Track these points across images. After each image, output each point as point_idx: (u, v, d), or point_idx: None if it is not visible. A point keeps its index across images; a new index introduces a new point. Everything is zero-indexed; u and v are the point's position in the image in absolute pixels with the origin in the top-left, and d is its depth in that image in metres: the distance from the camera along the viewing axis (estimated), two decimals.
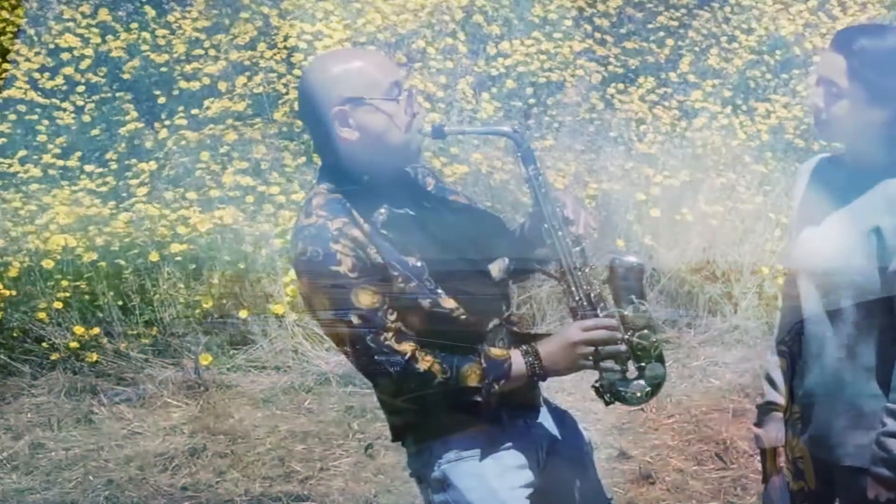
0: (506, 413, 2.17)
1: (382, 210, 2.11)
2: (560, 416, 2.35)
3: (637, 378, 2.20)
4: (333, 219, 2.05)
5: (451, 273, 2.12)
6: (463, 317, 2.11)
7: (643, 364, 2.20)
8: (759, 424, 2.45)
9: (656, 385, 2.21)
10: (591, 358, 2.13)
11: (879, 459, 2.11)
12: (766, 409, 2.42)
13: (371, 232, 2.07)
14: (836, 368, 2.18)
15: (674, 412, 4.67)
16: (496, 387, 2.07)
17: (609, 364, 2.16)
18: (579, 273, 2.16)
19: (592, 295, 2.16)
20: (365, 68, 2.10)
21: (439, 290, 2.09)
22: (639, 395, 2.20)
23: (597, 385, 2.21)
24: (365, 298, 2.02)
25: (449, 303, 2.10)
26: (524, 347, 2.13)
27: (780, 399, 2.37)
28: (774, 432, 2.40)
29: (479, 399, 2.06)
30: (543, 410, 2.31)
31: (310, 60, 2.17)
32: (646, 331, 2.19)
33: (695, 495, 3.95)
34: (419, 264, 2.09)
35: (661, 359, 2.21)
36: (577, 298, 2.16)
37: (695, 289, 5.69)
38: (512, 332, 2.24)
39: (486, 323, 2.18)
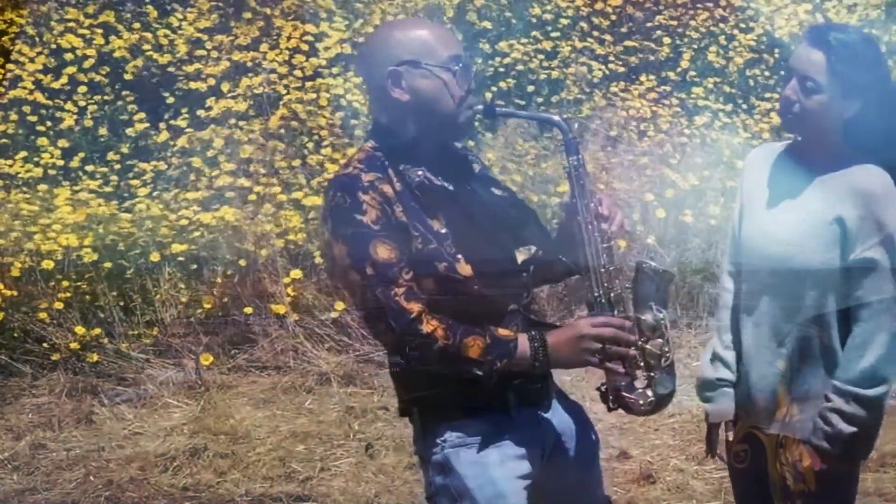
0: (514, 402, 2.17)
1: (419, 172, 2.13)
2: (574, 410, 2.33)
3: (645, 388, 2.17)
4: (367, 172, 2.10)
5: (475, 248, 2.13)
6: (477, 288, 2.10)
7: (653, 374, 2.17)
8: (707, 401, 2.49)
9: (664, 397, 2.18)
10: (597, 355, 2.10)
11: (821, 432, 2.20)
12: (716, 385, 2.46)
13: (402, 191, 2.10)
14: (790, 354, 2.26)
15: (674, 412, 4.65)
16: (498, 364, 2.06)
17: (615, 366, 2.13)
18: (603, 271, 2.15)
19: (612, 295, 2.15)
20: (426, 35, 2.14)
21: (459, 257, 2.10)
22: (642, 404, 2.17)
23: (602, 388, 2.19)
24: (383, 252, 2.04)
25: (465, 270, 2.10)
26: (532, 333, 2.11)
27: (731, 376, 2.43)
28: (726, 407, 2.45)
29: (478, 373, 2.05)
30: (555, 404, 2.29)
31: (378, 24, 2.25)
32: (660, 340, 2.16)
33: (695, 495, 3.94)
34: (443, 231, 2.11)
35: (671, 371, 2.18)
36: (596, 294, 2.15)
37: (695, 289, 5.69)
38: (528, 319, 2.22)
39: (503, 305, 2.17)
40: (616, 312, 2.15)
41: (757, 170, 2.41)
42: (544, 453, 2.24)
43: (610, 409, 2.21)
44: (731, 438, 2.46)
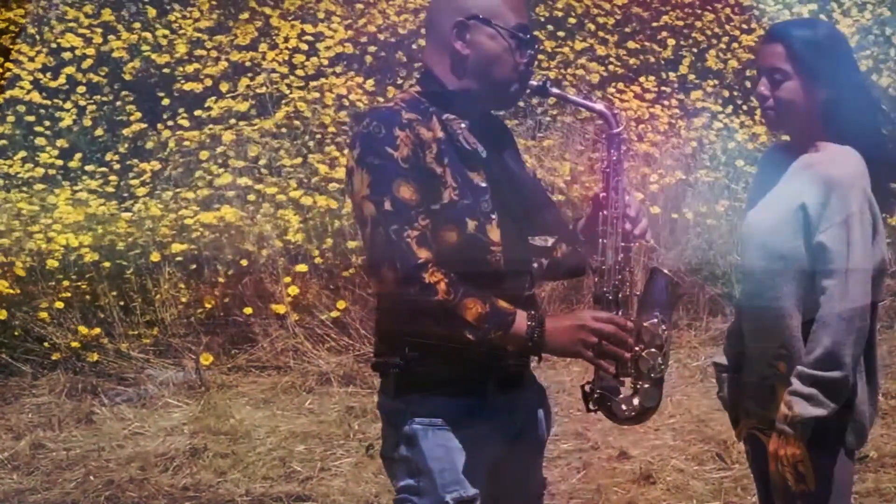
0: (491, 386, 2.13)
1: (462, 125, 2.09)
2: (539, 393, 2.31)
3: (631, 395, 2.14)
4: (409, 111, 2.05)
5: (506, 214, 2.09)
6: (498, 256, 2.07)
7: (641, 383, 2.14)
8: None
9: (647, 409, 2.15)
10: (592, 349, 2.05)
11: (783, 417, 2.22)
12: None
13: (443, 139, 2.06)
14: (769, 337, 2.30)
15: (674, 412, 4.67)
16: (492, 334, 2.00)
17: (607, 365, 2.08)
18: (617, 269, 2.13)
19: (620, 295, 2.13)
20: None
21: (493, 217, 2.06)
22: (625, 410, 2.13)
23: (586, 387, 2.17)
24: (405, 191, 1.99)
25: (494, 233, 2.06)
26: (532, 312, 2.06)
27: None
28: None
29: (470, 337, 2.00)
30: (527, 386, 2.26)
31: None
32: (655, 350, 2.13)
33: (695, 495, 3.94)
34: (483, 185, 2.07)
35: (660, 386, 2.15)
36: (604, 290, 2.13)
37: (695, 289, 5.69)
38: (532, 303, 2.20)
39: (512, 286, 2.13)
40: (620, 313, 2.12)
41: (759, 169, 2.49)
42: (509, 437, 2.21)
43: (589, 410, 2.17)
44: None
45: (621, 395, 2.14)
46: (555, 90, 2.21)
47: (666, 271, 2.20)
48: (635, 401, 2.14)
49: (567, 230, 2.31)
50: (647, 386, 2.14)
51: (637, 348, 2.12)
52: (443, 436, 2.12)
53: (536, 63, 6.70)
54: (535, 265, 2.19)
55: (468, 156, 2.08)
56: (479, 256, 2.07)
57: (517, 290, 2.14)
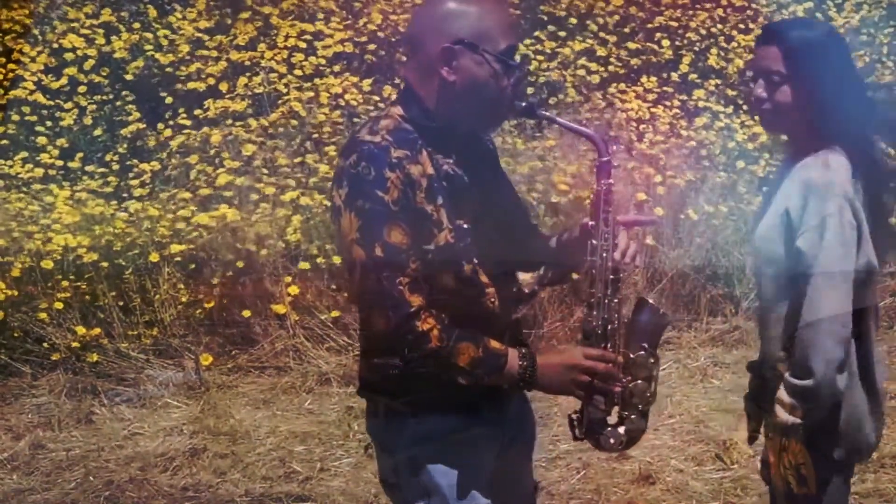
0: (483, 399, 2.12)
1: (450, 161, 2.04)
2: (522, 398, 2.30)
3: (617, 425, 2.15)
4: (398, 147, 1.98)
5: (492, 250, 2.07)
6: (493, 299, 2.06)
7: (627, 413, 2.14)
8: None
9: (632, 439, 2.16)
10: (584, 389, 2.07)
11: (770, 424, 2.26)
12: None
13: (432, 175, 2.00)
14: (772, 340, 2.29)
15: (674, 412, 4.67)
16: (485, 379, 2.02)
17: (598, 402, 2.09)
18: (607, 302, 2.10)
19: (609, 327, 2.11)
20: (491, 18, 2.03)
21: (479, 259, 2.04)
22: (612, 442, 2.14)
23: (573, 417, 2.16)
24: (396, 235, 1.94)
25: (485, 279, 2.05)
26: (523, 351, 2.06)
27: None
28: None
29: (463, 381, 2.00)
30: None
31: None
32: (642, 382, 2.13)
33: (695, 496, 3.94)
34: (466, 227, 2.04)
35: (646, 415, 2.16)
36: (594, 324, 2.11)
37: (696, 289, 5.69)
38: (519, 330, 2.21)
39: (505, 314, 2.13)
40: (609, 345, 2.11)
41: (775, 174, 2.46)
42: (503, 446, 2.22)
43: (576, 439, 2.17)
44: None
45: (608, 427, 2.15)
46: (543, 112, 2.17)
47: (652, 302, 2.19)
48: (621, 430, 2.15)
49: (549, 250, 2.27)
50: (633, 416, 2.14)
51: (625, 380, 2.12)
52: (443, 453, 2.11)
53: (537, 63, 6.77)
54: (525, 291, 2.19)
55: (456, 193, 2.03)
56: (473, 295, 2.05)
57: (506, 317, 2.15)
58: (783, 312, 2.24)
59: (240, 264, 5.37)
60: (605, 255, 2.10)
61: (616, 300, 2.11)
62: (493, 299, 2.07)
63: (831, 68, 2.23)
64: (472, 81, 2.02)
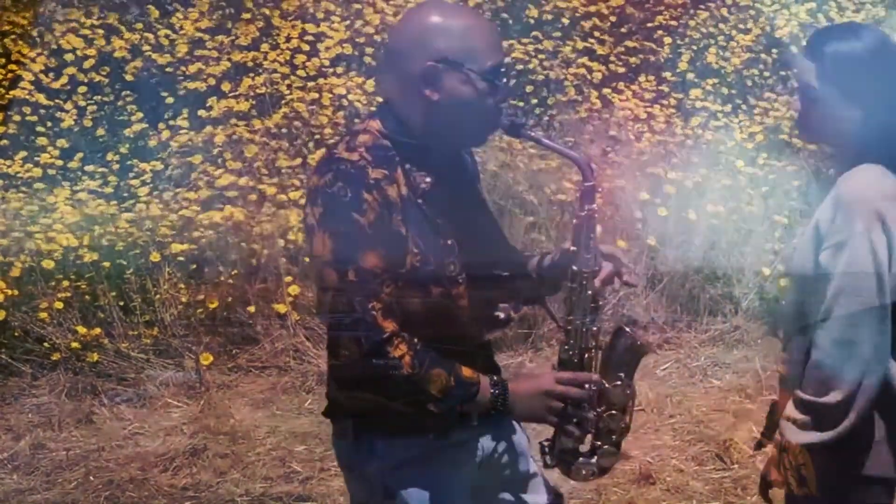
0: (456, 419, 2.06)
1: (428, 179, 1.98)
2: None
3: (589, 454, 2.12)
4: (375, 167, 1.91)
5: (472, 270, 2.01)
6: (464, 319, 2.02)
7: (600, 443, 2.11)
8: None
9: (603, 469, 2.13)
10: (557, 415, 2.02)
11: (777, 441, 2.22)
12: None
13: (407, 196, 1.94)
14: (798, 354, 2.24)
15: (674, 412, 4.67)
16: (456, 406, 1.98)
17: (572, 429, 2.05)
18: (584, 330, 2.06)
19: (586, 356, 2.07)
20: (473, 34, 1.97)
21: (460, 280, 1.99)
22: (584, 472, 2.12)
23: (545, 444, 2.13)
24: (371, 259, 1.87)
25: (463, 301, 2.00)
26: (494, 378, 2.01)
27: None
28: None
29: (433, 409, 1.96)
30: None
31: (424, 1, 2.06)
32: (616, 413, 2.09)
33: (695, 496, 3.95)
34: (449, 242, 1.99)
35: (619, 445, 2.12)
36: (570, 353, 2.06)
37: (696, 289, 5.69)
38: (491, 352, 2.19)
39: (479, 335, 2.11)
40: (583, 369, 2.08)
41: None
42: (481, 461, 2.18)
43: (547, 466, 2.14)
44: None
45: (581, 456, 2.12)
46: (529, 133, 2.10)
47: (629, 330, 2.14)
48: (594, 460, 2.12)
49: (526, 271, 2.22)
50: (606, 446, 2.11)
51: (600, 410, 2.08)
52: (417, 474, 2.07)
53: (537, 63, 6.76)
54: (500, 317, 2.15)
55: (433, 213, 1.98)
56: (447, 317, 2.00)
57: (479, 340, 2.13)
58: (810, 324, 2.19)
59: (240, 264, 5.37)
60: (584, 282, 2.04)
61: (594, 328, 2.07)
62: (466, 321, 2.03)
63: (871, 82, 2.15)
64: (456, 101, 1.96)
